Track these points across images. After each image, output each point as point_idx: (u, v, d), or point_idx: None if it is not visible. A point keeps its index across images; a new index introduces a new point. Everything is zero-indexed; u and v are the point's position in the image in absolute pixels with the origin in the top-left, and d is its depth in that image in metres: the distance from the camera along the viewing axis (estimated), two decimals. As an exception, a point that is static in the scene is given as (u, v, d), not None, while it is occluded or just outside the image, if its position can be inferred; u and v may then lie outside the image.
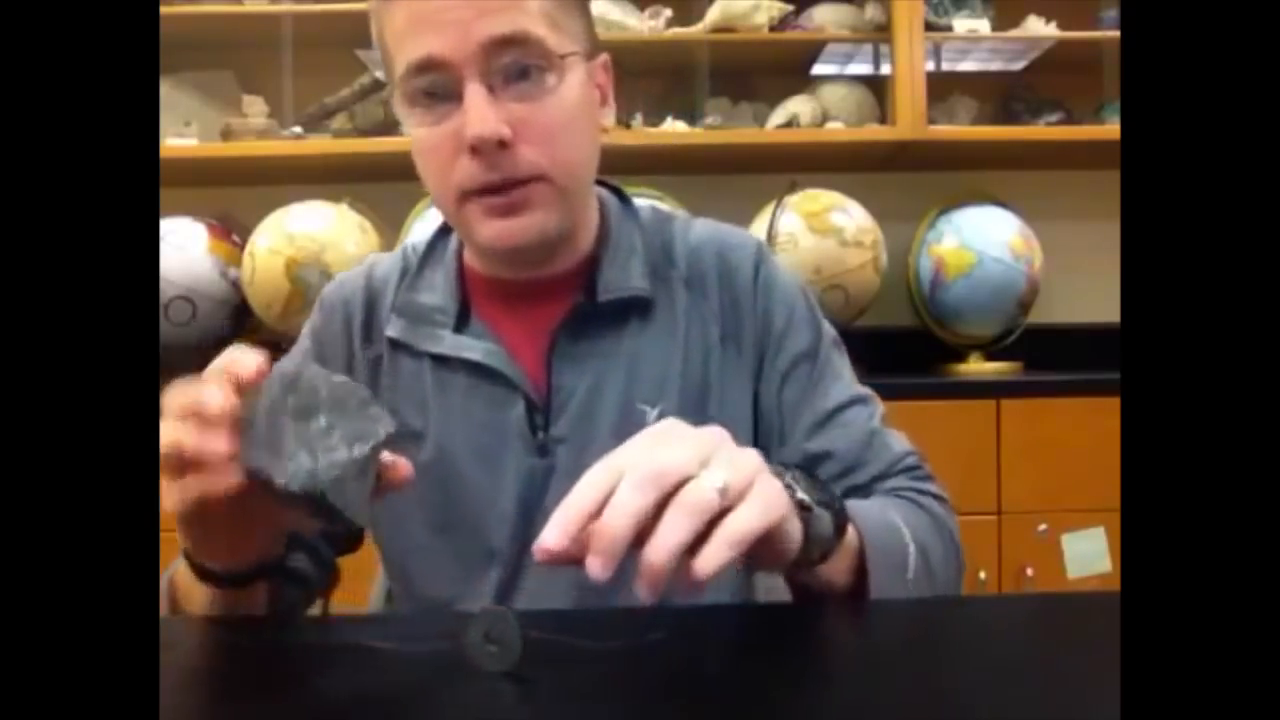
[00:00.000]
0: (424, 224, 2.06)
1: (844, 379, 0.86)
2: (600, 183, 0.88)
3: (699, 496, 0.49)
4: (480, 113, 0.71)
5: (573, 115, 0.75)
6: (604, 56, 0.82)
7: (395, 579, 0.88)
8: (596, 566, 0.47)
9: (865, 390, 0.86)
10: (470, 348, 0.81)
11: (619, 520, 0.47)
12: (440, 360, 0.82)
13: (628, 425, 0.80)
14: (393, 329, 0.84)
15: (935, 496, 0.82)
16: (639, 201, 0.90)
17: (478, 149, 0.72)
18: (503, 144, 0.72)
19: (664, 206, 1.01)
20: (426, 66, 0.72)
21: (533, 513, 0.80)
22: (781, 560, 0.60)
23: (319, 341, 0.87)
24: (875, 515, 0.71)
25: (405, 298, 0.85)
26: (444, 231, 0.89)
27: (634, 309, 0.83)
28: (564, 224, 0.79)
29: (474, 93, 0.71)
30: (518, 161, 0.73)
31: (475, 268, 0.85)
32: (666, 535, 0.48)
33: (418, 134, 0.75)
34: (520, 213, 0.75)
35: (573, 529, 0.48)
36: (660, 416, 0.81)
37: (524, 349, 0.82)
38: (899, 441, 0.85)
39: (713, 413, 0.82)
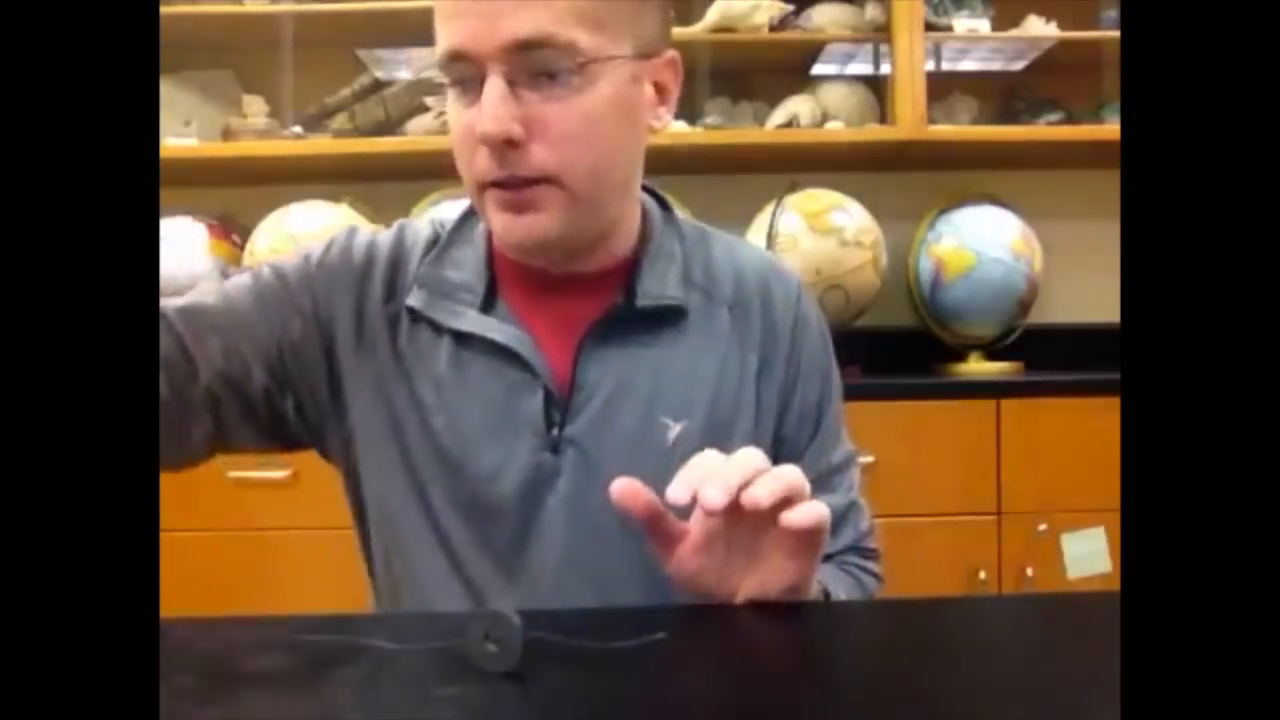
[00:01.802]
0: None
1: (842, 436, 0.88)
2: (646, 188, 0.86)
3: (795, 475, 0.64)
4: (492, 110, 0.70)
5: (598, 119, 0.73)
6: (670, 54, 0.79)
7: (383, 559, 0.84)
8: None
9: (852, 448, 0.89)
10: (495, 329, 0.80)
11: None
12: (461, 338, 0.80)
13: (646, 436, 0.79)
14: (414, 299, 0.81)
15: (875, 575, 0.87)
16: (678, 212, 0.89)
17: (487, 144, 0.71)
18: (514, 142, 0.71)
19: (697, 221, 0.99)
20: (453, 57, 0.71)
21: (535, 509, 0.78)
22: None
23: (326, 271, 0.82)
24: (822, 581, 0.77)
25: (430, 270, 0.82)
26: (473, 211, 0.86)
27: (668, 319, 0.82)
28: (577, 228, 0.76)
29: (491, 87, 0.70)
30: (527, 161, 0.72)
31: (505, 253, 0.83)
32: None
33: (450, 117, 0.75)
34: (526, 211, 0.74)
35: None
36: (682, 433, 0.79)
37: (550, 342, 0.80)
38: (864, 518, 0.89)
39: (739, 441, 0.79)
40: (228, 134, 2.14)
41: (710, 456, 0.65)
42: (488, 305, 0.81)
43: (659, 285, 0.81)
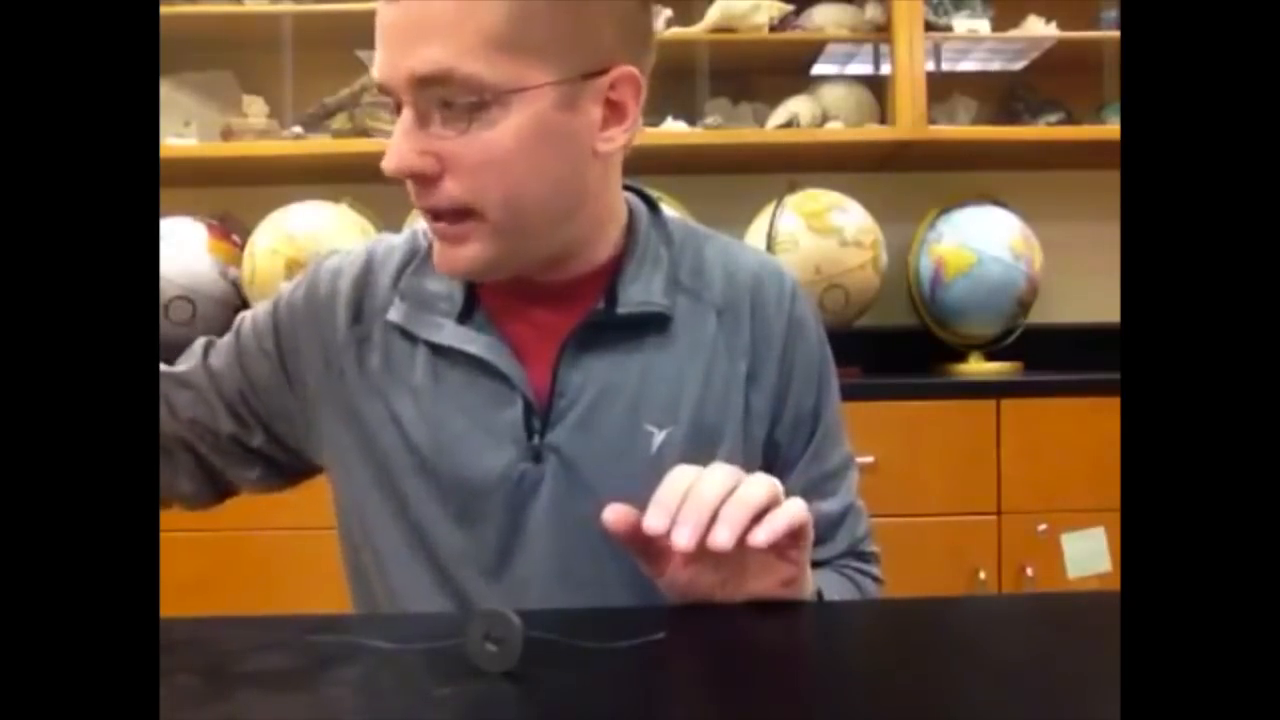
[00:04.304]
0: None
1: (840, 439, 0.87)
2: (635, 190, 0.85)
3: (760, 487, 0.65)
4: (395, 145, 0.69)
5: (509, 151, 0.70)
6: (620, 70, 0.73)
7: (360, 575, 0.84)
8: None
9: (849, 451, 0.89)
10: (470, 340, 0.79)
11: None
12: (439, 350, 0.80)
13: (630, 444, 0.78)
14: (395, 313, 0.81)
15: (874, 578, 0.87)
16: (669, 213, 0.87)
17: (397, 178, 0.71)
18: (426, 176, 0.70)
19: (693, 221, 0.97)
20: (379, 89, 0.71)
21: (520, 518, 0.78)
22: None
23: (290, 311, 0.85)
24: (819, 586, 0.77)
25: (412, 282, 0.82)
26: None
27: (652, 324, 0.80)
28: (510, 256, 0.74)
29: (400, 123, 0.70)
30: (441, 195, 0.71)
31: None
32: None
33: None
34: (455, 244, 0.73)
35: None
36: (667, 440, 0.78)
37: (530, 349, 0.79)
38: (862, 522, 0.88)
39: (727, 448, 0.79)
40: (227, 134, 2.14)
41: (682, 475, 0.64)
42: (466, 315, 0.80)
43: (643, 291, 0.80)
